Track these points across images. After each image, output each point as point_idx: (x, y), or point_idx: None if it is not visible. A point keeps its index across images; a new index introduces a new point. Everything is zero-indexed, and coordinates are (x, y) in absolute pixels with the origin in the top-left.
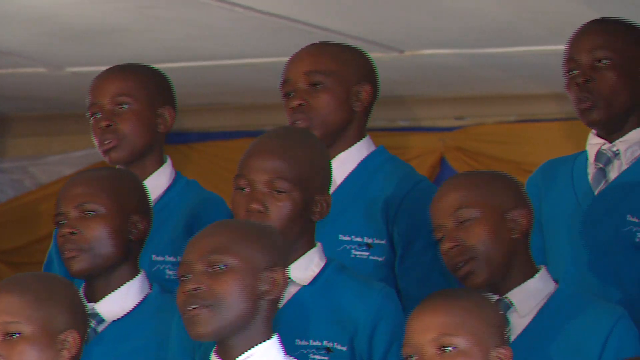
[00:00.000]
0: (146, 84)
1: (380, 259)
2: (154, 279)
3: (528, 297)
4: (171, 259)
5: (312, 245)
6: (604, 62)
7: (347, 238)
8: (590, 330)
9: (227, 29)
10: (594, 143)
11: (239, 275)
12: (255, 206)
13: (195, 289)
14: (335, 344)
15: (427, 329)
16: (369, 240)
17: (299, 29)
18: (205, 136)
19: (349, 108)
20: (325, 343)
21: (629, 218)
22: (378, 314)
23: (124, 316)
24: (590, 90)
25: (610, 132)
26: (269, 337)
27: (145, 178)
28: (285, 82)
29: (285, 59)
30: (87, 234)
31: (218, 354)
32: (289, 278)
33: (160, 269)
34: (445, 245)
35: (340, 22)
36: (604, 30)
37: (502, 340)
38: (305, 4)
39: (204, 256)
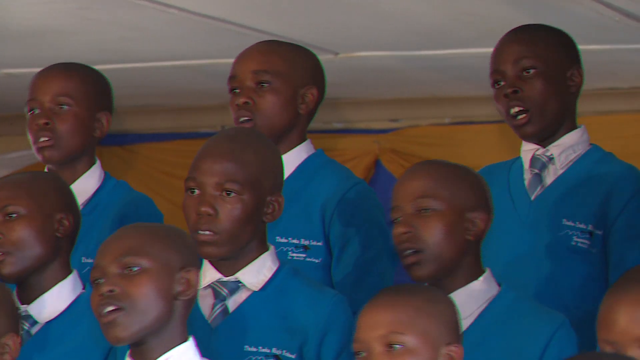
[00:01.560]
0: (89, 88)
1: (317, 261)
2: (84, 280)
3: (470, 300)
4: None
5: (265, 249)
6: (529, 71)
7: (284, 240)
8: (531, 336)
9: (161, 31)
10: (527, 149)
11: (153, 276)
12: (204, 209)
13: (110, 291)
14: (284, 351)
15: (375, 326)
16: (306, 242)
17: (234, 30)
18: (139, 138)
19: (294, 110)
20: (274, 350)
21: (565, 222)
22: (328, 322)
23: (56, 317)
24: (521, 99)
25: (543, 140)
26: (185, 340)
27: (75, 179)
28: (232, 77)
29: (220, 60)
30: (12, 236)
31: (133, 357)
32: (241, 282)
33: (90, 271)
34: (399, 229)
35: (275, 24)
36: (526, 39)
37: (455, 337)
38: (240, 6)
39: (117, 259)
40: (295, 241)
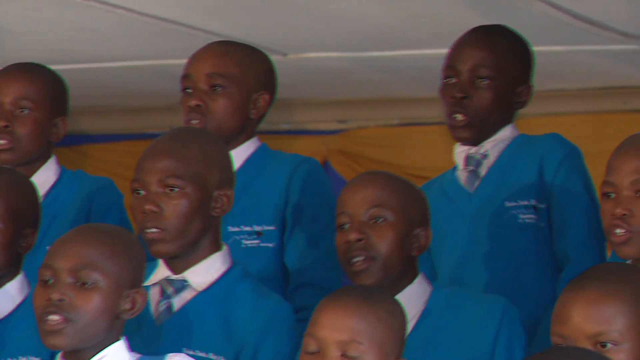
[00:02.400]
0: (50, 93)
1: (271, 245)
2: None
3: (408, 303)
4: None
5: (217, 249)
6: (484, 80)
7: (236, 229)
8: (480, 325)
9: (110, 31)
10: (460, 151)
11: (104, 293)
12: (149, 207)
13: (60, 300)
14: (221, 357)
15: (336, 329)
16: (259, 228)
17: (183, 31)
18: (88, 139)
19: (246, 115)
20: (211, 356)
21: (508, 204)
22: (265, 330)
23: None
24: (465, 108)
25: (477, 144)
26: (118, 339)
27: (32, 175)
28: (186, 77)
29: (169, 61)
30: None
31: (65, 357)
32: (187, 282)
33: None
34: (351, 236)
35: (223, 25)
36: (489, 45)
37: (402, 349)
38: (189, 7)
39: (72, 267)
40: (247, 229)
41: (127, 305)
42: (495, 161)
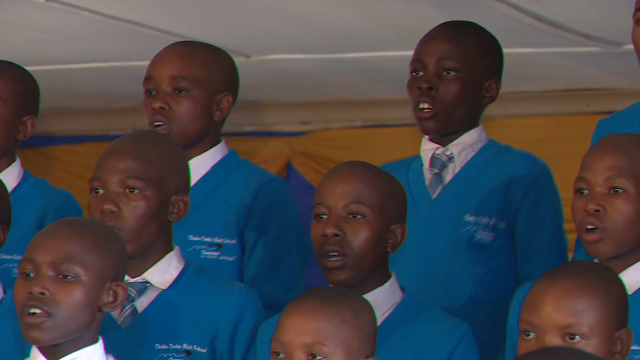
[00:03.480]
0: (20, 90)
1: (230, 259)
2: (1, 277)
3: (376, 305)
4: (20, 257)
5: (170, 249)
6: (450, 72)
7: (197, 238)
8: (435, 344)
9: (74, 33)
10: (427, 148)
11: (86, 287)
12: (108, 207)
13: (41, 294)
14: (195, 346)
15: (301, 332)
16: (220, 240)
17: (146, 33)
18: (51, 140)
19: (209, 117)
20: (185, 346)
21: (467, 218)
22: (238, 315)
23: None
24: (432, 97)
25: (443, 137)
26: (95, 341)
27: None
28: (149, 79)
29: (132, 63)
30: None
31: (41, 350)
32: (148, 282)
33: (9, 267)
34: (328, 230)
35: (187, 27)
36: (456, 39)
37: (373, 349)
38: (152, 9)
39: (53, 261)
40: (208, 239)
41: (109, 299)
42: (461, 168)
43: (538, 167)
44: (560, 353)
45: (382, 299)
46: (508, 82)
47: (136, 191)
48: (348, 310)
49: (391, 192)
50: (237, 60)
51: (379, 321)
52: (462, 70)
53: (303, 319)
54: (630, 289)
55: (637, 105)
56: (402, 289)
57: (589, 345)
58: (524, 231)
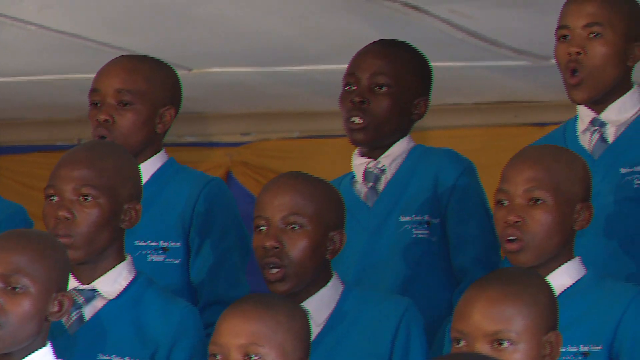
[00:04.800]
0: None
1: (176, 261)
2: None
3: (322, 306)
4: None
5: (122, 259)
6: (382, 88)
7: (143, 243)
8: (381, 323)
9: (20, 47)
10: (359, 163)
11: (34, 298)
12: (62, 213)
13: None
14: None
15: (237, 334)
16: (165, 244)
17: (91, 46)
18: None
19: (152, 129)
20: (126, 359)
21: (403, 219)
22: (177, 332)
23: None
24: (363, 111)
25: (373, 150)
26: (43, 345)
27: None
28: (94, 91)
29: (76, 76)
30: None
31: None
32: (97, 291)
33: None
34: (267, 242)
35: (130, 41)
36: (389, 56)
37: (307, 353)
38: (96, 23)
39: (3, 274)
40: (154, 244)
41: (55, 308)
42: (392, 176)
43: (463, 164)
44: (469, 357)
45: (328, 298)
46: (441, 95)
47: (90, 199)
48: (283, 315)
49: (327, 200)
50: (180, 73)
51: (327, 313)
52: (393, 86)
53: (239, 321)
54: None
55: (563, 127)
56: (343, 282)
57: (517, 351)
58: (454, 225)
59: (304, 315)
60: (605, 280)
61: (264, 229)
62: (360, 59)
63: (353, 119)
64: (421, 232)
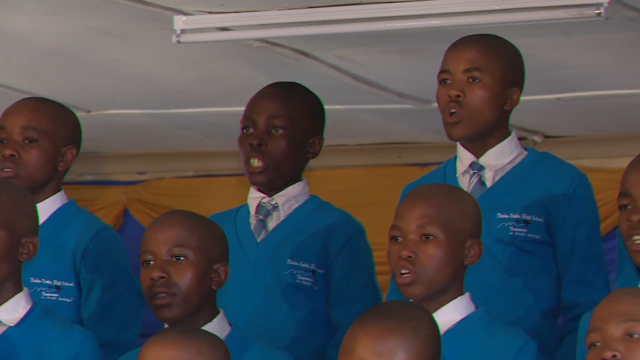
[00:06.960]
0: None
1: (68, 300)
2: None
3: None
4: None
5: (20, 289)
6: (278, 130)
7: (37, 281)
8: None
9: None
10: (254, 197)
11: None
12: None
13: None
14: None
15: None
16: (58, 283)
17: None
18: None
19: (54, 167)
20: None
21: (290, 262)
22: (77, 354)
23: None
24: (262, 153)
25: (270, 190)
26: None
27: None
28: (1, 128)
29: None
30: None
31: None
32: None
33: None
34: (154, 274)
35: (32, 84)
36: (283, 98)
37: None
38: (0, 67)
39: None
40: (48, 282)
41: None
42: (285, 217)
43: (355, 226)
44: None
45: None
46: (328, 136)
47: None
48: (204, 343)
49: (210, 234)
50: (79, 114)
51: None
52: (289, 127)
53: (162, 348)
54: (442, 329)
55: (443, 167)
56: (230, 324)
57: None
58: (338, 281)
59: (225, 347)
60: (496, 323)
61: (151, 263)
62: (256, 102)
63: (252, 161)
64: (305, 280)
